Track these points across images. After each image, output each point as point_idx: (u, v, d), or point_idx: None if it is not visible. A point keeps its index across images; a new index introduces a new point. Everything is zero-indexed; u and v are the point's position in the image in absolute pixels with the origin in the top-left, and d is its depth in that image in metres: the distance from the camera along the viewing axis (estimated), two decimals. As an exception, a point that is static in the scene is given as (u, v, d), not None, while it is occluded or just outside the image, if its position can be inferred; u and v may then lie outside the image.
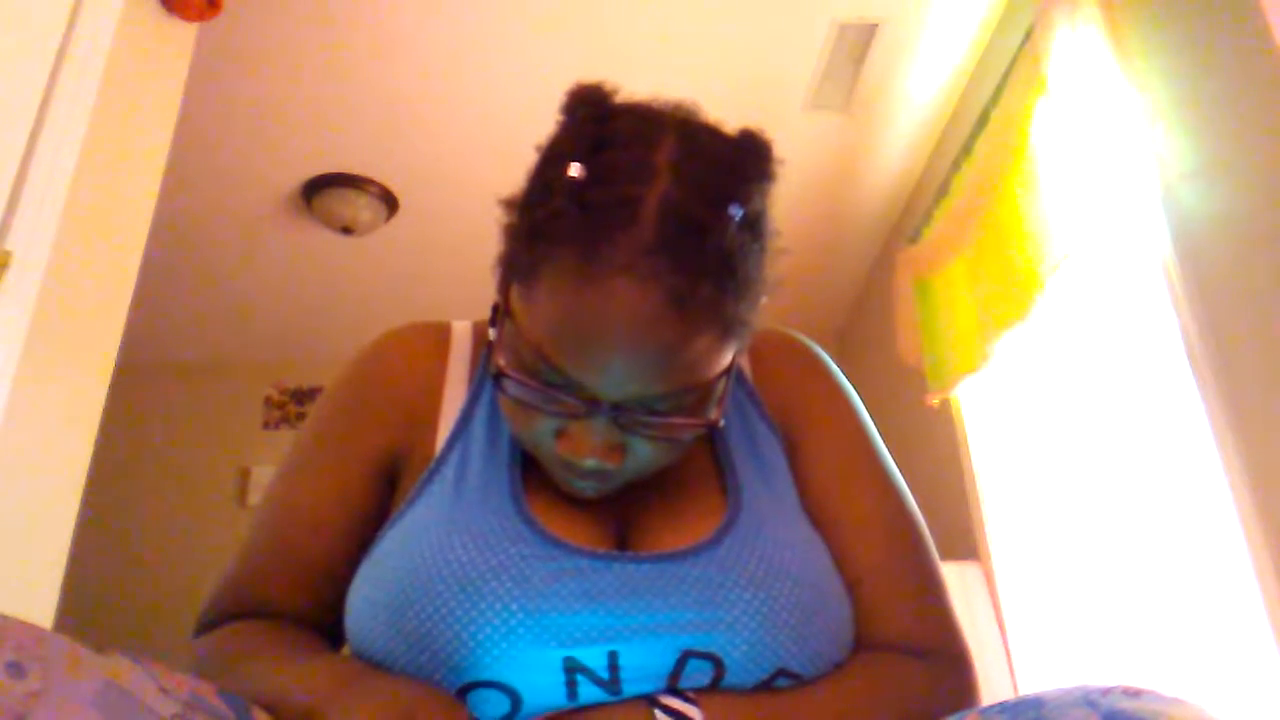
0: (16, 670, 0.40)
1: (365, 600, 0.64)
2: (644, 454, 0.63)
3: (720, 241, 0.56)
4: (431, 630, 0.58)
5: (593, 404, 0.59)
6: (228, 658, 0.66)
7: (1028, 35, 1.84)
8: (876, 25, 2.18)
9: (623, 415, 0.59)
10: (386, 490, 0.73)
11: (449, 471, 0.69)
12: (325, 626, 0.71)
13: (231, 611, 0.71)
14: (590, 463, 0.61)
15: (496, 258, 0.64)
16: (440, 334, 0.78)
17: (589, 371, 0.57)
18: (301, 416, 3.66)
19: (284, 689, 0.58)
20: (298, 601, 0.71)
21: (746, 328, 0.61)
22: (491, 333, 0.64)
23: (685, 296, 0.55)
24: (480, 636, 0.58)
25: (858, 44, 2.24)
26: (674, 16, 2.16)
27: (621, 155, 0.58)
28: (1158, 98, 1.54)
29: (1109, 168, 1.57)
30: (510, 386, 0.62)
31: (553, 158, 0.61)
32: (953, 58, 2.30)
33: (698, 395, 0.61)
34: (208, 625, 0.72)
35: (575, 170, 0.57)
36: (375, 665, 0.61)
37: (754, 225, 0.60)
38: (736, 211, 0.57)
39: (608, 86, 0.63)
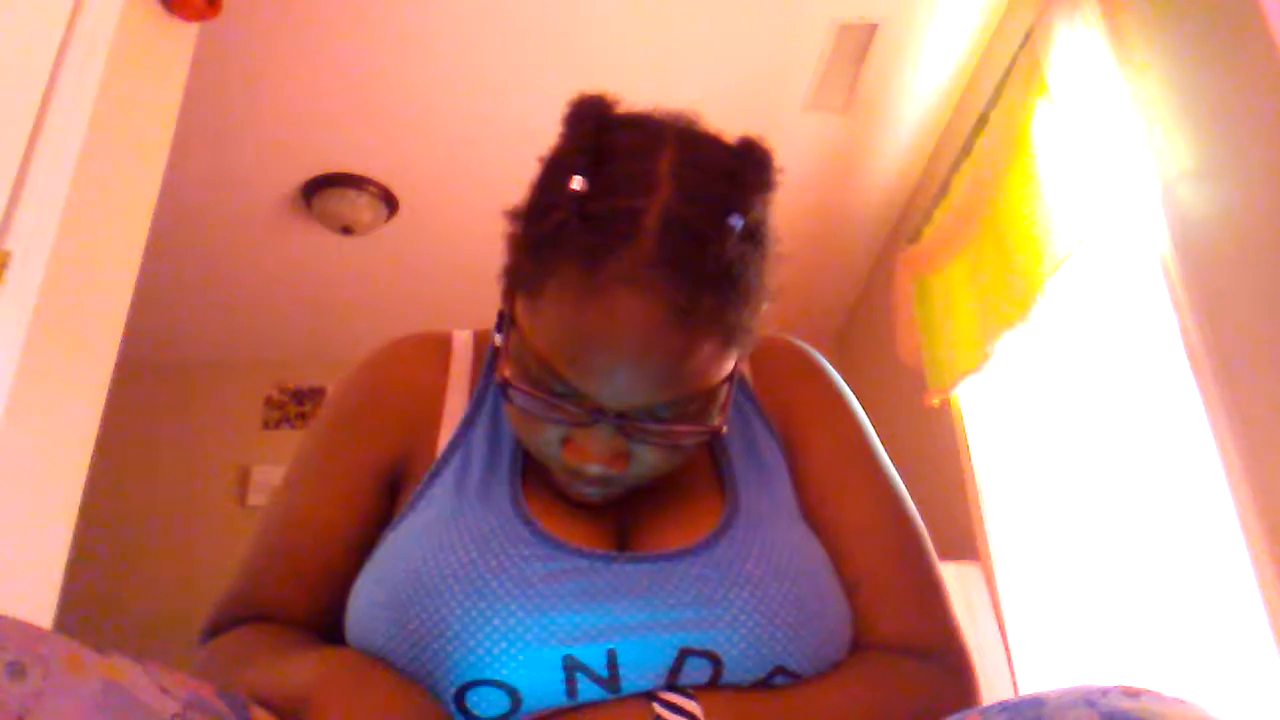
0: (17, 671, 0.40)
1: (367, 601, 0.64)
2: (648, 460, 0.63)
3: (722, 252, 0.57)
4: (433, 630, 0.59)
5: (597, 412, 0.60)
6: (229, 659, 0.67)
7: (1028, 36, 1.84)
8: (876, 25, 2.18)
9: (627, 423, 0.60)
10: (390, 498, 0.74)
11: (449, 475, 0.70)
12: (328, 632, 0.72)
13: (237, 619, 0.72)
14: (595, 469, 0.62)
15: (501, 268, 0.64)
16: (441, 344, 0.79)
17: (593, 382, 0.58)
18: (302, 416, 3.66)
19: (278, 680, 0.59)
20: (303, 607, 0.71)
21: (749, 335, 0.62)
22: (496, 338, 0.65)
23: (688, 308, 0.56)
24: (481, 636, 0.58)
25: (858, 44, 2.25)
26: (674, 17, 2.16)
27: (623, 167, 0.59)
28: (1158, 98, 1.54)
29: (1109, 168, 1.57)
30: (516, 396, 0.62)
31: (555, 170, 0.61)
32: (953, 58, 2.30)
33: (701, 403, 0.61)
34: (213, 633, 0.73)
35: (577, 183, 0.57)
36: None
37: (755, 234, 0.60)
38: (738, 222, 0.57)
39: (609, 97, 0.63)
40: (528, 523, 0.65)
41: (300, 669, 0.60)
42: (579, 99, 0.63)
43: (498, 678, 0.58)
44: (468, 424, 0.73)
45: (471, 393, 0.76)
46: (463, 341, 0.80)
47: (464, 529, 0.64)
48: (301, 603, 0.71)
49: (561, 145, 0.63)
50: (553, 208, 0.59)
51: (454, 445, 0.72)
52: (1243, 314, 1.36)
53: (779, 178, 0.62)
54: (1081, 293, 1.88)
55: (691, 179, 0.59)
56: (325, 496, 0.72)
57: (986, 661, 2.09)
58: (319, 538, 0.71)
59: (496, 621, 0.59)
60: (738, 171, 0.60)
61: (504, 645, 0.58)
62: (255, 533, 0.75)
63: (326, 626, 0.72)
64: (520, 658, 0.58)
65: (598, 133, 0.60)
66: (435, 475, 0.70)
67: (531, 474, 0.70)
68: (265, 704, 0.56)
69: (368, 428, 0.74)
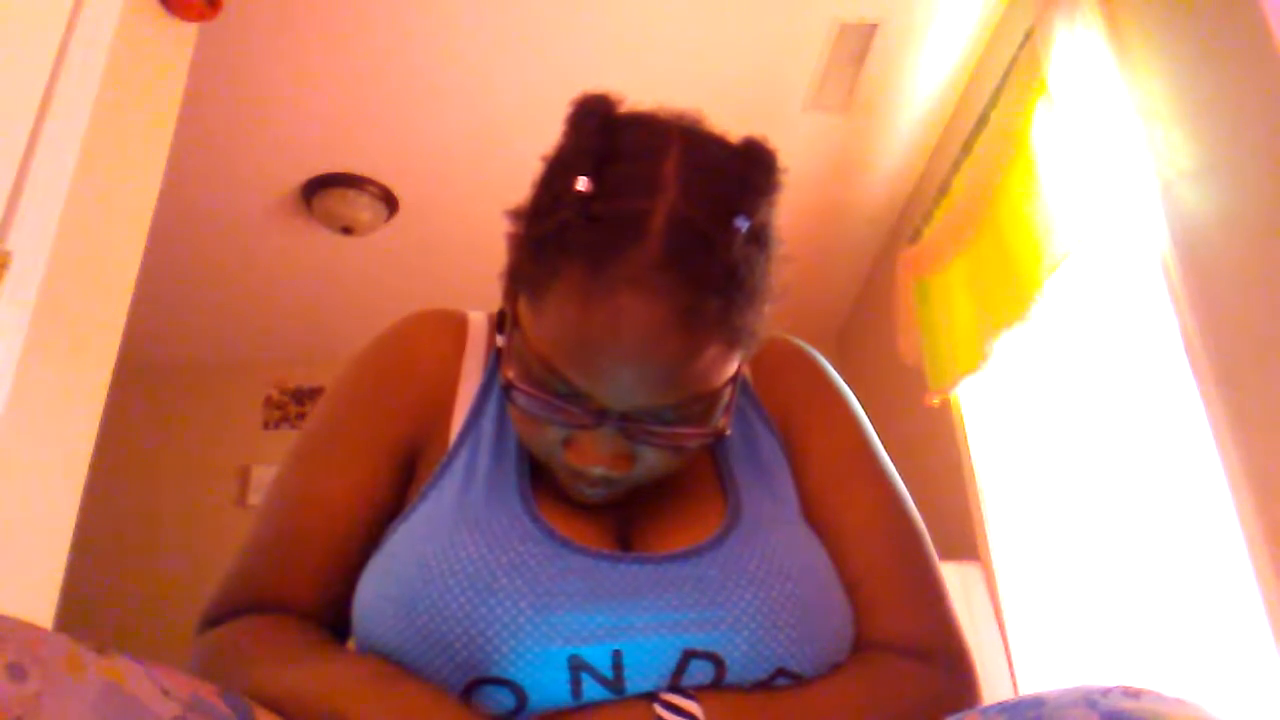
0: (17, 672, 0.40)
1: (375, 595, 0.64)
2: (651, 462, 0.63)
3: (727, 255, 0.57)
4: (441, 626, 0.59)
5: (601, 414, 0.59)
6: (239, 656, 0.65)
7: (1027, 36, 1.84)
8: (876, 25, 2.18)
9: (630, 425, 0.60)
10: (404, 479, 0.72)
11: (459, 467, 0.69)
12: (333, 621, 0.70)
13: (241, 605, 0.70)
14: (598, 471, 0.62)
15: (503, 269, 0.64)
16: (458, 323, 0.78)
17: (597, 383, 0.58)
18: (302, 417, 3.66)
19: (305, 690, 0.58)
20: (311, 594, 0.70)
21: (753, 337, 0.62)
22: (499, 339, 0.64)
23: (693, 310, 0.56)
24: (490, 633, 0.58)
25: (858, 44, 2.24)
26: (674, 17, 2.16)
27: (628, 168, 0.59)
28: (1157, 98, 1.54)
29: (1108, 167, 1.57)
30: (519, 398, 0.62)
31: (559, 170, 0.61)
32: (953, 58, 2.30)
33: (705, 405, 0.61)
34: (215, 620, 0.71)
35: (582, 184, 0.57)
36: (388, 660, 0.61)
37: (760, 236, 0.60)
38: (743, 224, 0.57)
39: (613, 97, 0.63)
40: (535, 520, 0.65)
41: (317, 675, 0.59)
42: (583, 98, 0.62)
43: (505, 676, 0.58)
44: (477, 411, 0.73)
45: (483, 376, 0.75)
46: (478, 322, 0.79)
47: (473, 524, 0.63)
48: (307, 590, 0.69)
49: (565, 145, 0.62)
50: (557, 208, 0.58)
51: (464, 434, 0.71)
52: (1243, 314, 1.36)
53: (782, 179, 0.62)
54: (1081, 292, 1.88)
55: (698, 181, 0.58)
56: (338, 476, 0.71)
57: (986, 661, 2.09)
58: (332, 521, 0.70)
59: (505, 619, 0.58)
60: (743, 173, 0.60)
61: (512, 644, 0.58)
62: (260, 512, 0.73)
63: (330, 615, 0.70)
64: (527, 656, 0.58)
65: (602, 133, 0.60)
66: (445, 467, 0.69)
67: (538, 468, 0.69)
68: (278, 708, 0.55)
69: (386, 407, 0.73)
